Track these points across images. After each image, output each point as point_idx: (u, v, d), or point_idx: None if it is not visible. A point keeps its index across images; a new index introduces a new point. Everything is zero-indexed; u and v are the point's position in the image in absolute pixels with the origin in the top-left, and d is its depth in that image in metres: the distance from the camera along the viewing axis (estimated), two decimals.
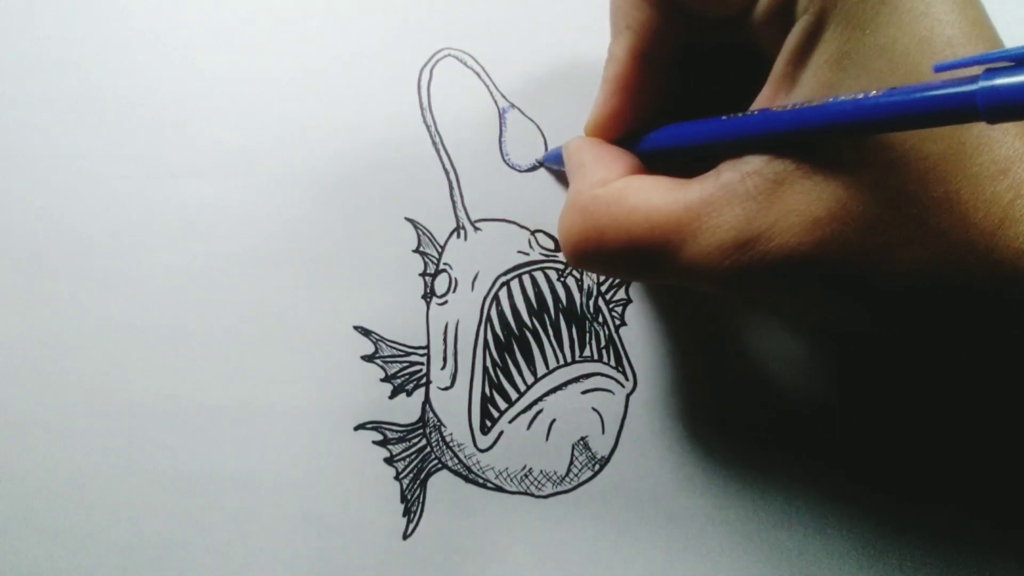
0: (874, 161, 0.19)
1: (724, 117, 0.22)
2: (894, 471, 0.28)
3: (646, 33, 0.23)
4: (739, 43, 0.23)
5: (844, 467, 0.28)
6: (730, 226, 0.20)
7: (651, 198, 0.22)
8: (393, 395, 0.28)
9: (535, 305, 0.29)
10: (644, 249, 0.22)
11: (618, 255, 0.23)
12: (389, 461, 0.28)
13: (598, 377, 0.29)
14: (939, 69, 0.17)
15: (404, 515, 0.28)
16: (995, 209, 0.19)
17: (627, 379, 0.29)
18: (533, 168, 0.29)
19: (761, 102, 0.22)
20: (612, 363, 0.29)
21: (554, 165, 0.28)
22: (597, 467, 0.28)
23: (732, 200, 0.20)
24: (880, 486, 0.28)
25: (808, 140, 0.20)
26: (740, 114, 0.21)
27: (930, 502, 0.28)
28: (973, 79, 0.16)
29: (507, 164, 0.29)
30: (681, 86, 0.25)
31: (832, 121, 0.18)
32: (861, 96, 0.18)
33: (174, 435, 0.28)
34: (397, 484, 0.28)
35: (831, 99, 0.19)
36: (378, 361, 0.28)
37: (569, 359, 0.29)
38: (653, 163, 0.25)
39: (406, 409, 0.28)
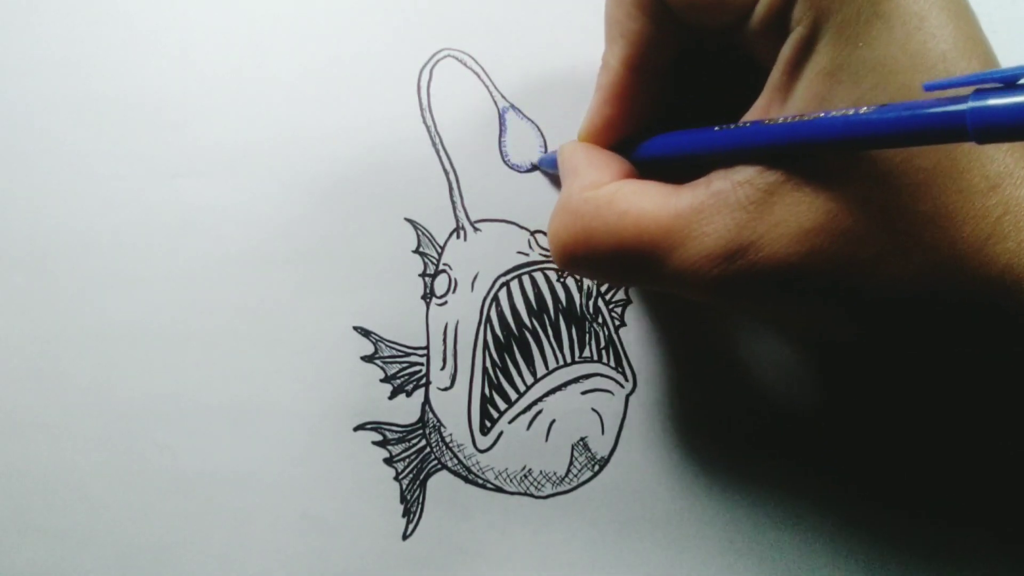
0: (864, 174, 0.19)
1: (717, 128, 0.22)
2: (894, 472, 0.28)
3: (640, 43, 0.23)
4: (735, 52, 0.23)
5: (843, 468, 0.28)
6: (719, 235, 0.20)
7: (641, 203, 0.22)
8: (393, 395, 0.28)
9: (535, 306, 0.29)
10: (632, 254, 0.22)
11: (606, 259, 0.23)
12: (389, 461, 0.28)
13: (598, 378, 0.29)
14: (929, 88, 0.17)
15: (404, 515, 0.28)
16: (984, 224, 0.19)
17: (627, 380, 0.29)
18: (533, 169, 0.29)
19: (755, 112, 0.22)
20: (612, 364, 0.29)
21: (549, 169, 0.28)
22: (597, 467, 0.28)
23: (722, 209, 0.20)
24: (880, 487, 0.28)
25: (799, 154, 0.20)
26: (733, 125, 0.21)
27: (928, 505, 0.28)
28: (963, 99, 0.16)
29: (507, 165, 0.29)
30: (677, 92, 0.25)
31: (822, 137, 0.19)
32: (852, 112, 0.18)
33: (174, 435, 0.28)
34: (397, 484, 0.28)
35: (822, 114, 0.19)
36: (378, 361, 0.28)
37: (569, 360, 0.29)
38: (646, 169, 0.25)
39: (406, 409, 0.28)
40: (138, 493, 0.28)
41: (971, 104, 0.16)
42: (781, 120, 0.20)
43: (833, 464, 0.28)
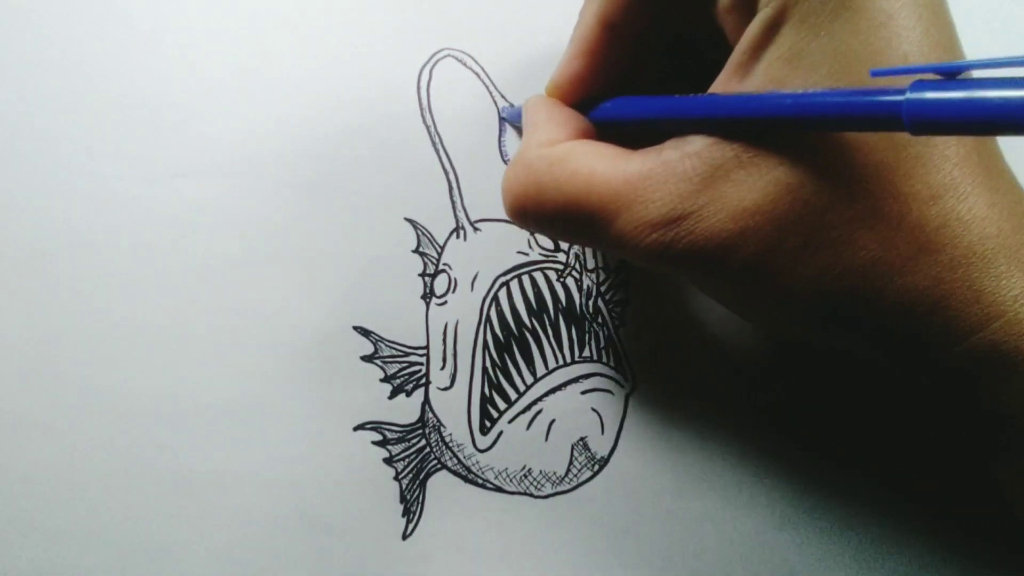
0: (810, 164, 0.19)
1: (675, 96, 0.22)
2: (895, 473, 0.28)
3: (615, 1, 0.23)
4: (710, 28, 0.23)
5: (844, 467, 0.28)
6: (662, 203, 0.21)
7: (593, 164, 0.22)
8: (392, 395, 0.28)
9: (534, 305, 0.29)
10: (579, 214, 0.22)
11: (554, 215, 0.23)
12: (388, 461, 0.28)
13: (597, 378, 0.29)
14: (875, 74, 0.17)
15: (403, 515, 0.28)
16: (918, 234, 0.19)
17: (626, 379, 0.29)
18: None
19: (714, 88, 0.22)
20: (611, 363, 0.29)
21: (515, 123, 0.29)
22: (596, 467, 0.28)
23: (669, 178, 0.21)
24: (881, 487, 0.28)
25: (744, 129, 0.20)
26: (689, 95, 0.21)
27: (928, 506, 0.28)
28: (902, 89, 0.16)
29: (507, 164, 0.29)
30: (655, 65, 0.25)
31: (768, 112, 0.19)
32: (799, 92, 0.18)
33: (174, 435, 0.28)
34: (396, 484, 0.28)
35: (772, 91, 0.19)
36: (377, 361, 0.28)
37: (568, 359, 0.29)
38: (607, 132, 0.25)
39: (405, 409, 0.28)
40: (138, 493, 0.28)
41: (908, 95, 0.16)
42: (732, 94, 0.20)
43: (834, 464, 0.28)
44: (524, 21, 0.29)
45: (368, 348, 0.28)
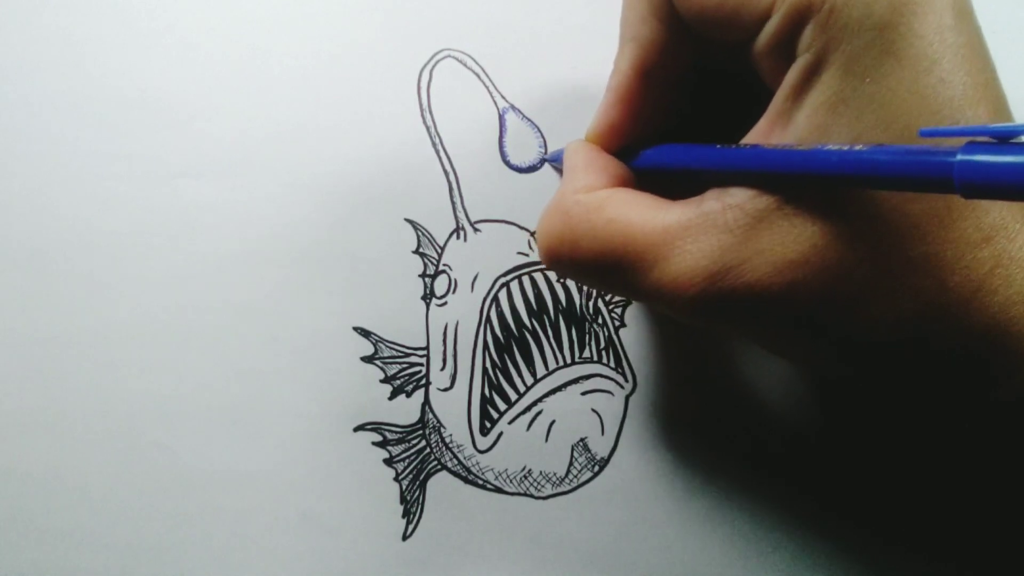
0: (857, 212, 0.19)
1: (718, 146, 0.21)
2: (894, 475, 0.28)
3: (651, 48, 0.23)
4: (749, 71, 0.22)
5: (843, 469, 0.28)
6: (703, 255, 0.20)
7: (629, 213, 0.22)
8: (393, 396, 0.28)
9: (535, 306, 0.29)
10: (615, 263, 0.22)
11: (588, 263, 0.23)
12: (388, 462, 0.28)
13: (597, 378, 0.29)
14: (924, 134, 0.17)
15: (404, 516, 0.28)
16: (973, 275, 0.19)
17: (627, 380, 0.29)
18: (533, 169, 0.29)
19: (755, 135, 0.21)
20: (612, 364, 0.29)
21: (558, 164, 0.28)
22: (597, 468, 0.28)
23: (710, 229, 0.20)
24: (880, 489, 0.28)
25: (789, 183, 0.20)
26: (733, 145, 0.21)
27: (925, 509, 0.28)
28: (954, 151, 0.15)
29: (507, 165, 0.29)
30: (690, 106, 0.25)
31: (813, 169, 0.18)
32: (846, 148, 0.18)
33: (174, 435, 0.28)
34: (396, 485, 0.28)
35: (818, 146, 0.19)
36: (378, 362, 0.28)
37: (568, 360, 0.29)
38: (645, 178, 0.25)
39: (406, 410, 0.28)
40: (138, 493, 0.28)
41: (960, 157, 0.15)
42: (776, 147, 0.20)
43: (832, 465, 0.28)
44: (524, 21, 0.29)
45: (368, 349, 0.28)
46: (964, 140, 0.16)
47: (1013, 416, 0.21)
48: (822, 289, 0.20)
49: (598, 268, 0.22)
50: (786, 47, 0.20)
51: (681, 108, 0.25)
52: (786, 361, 0.29)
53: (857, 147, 0.18)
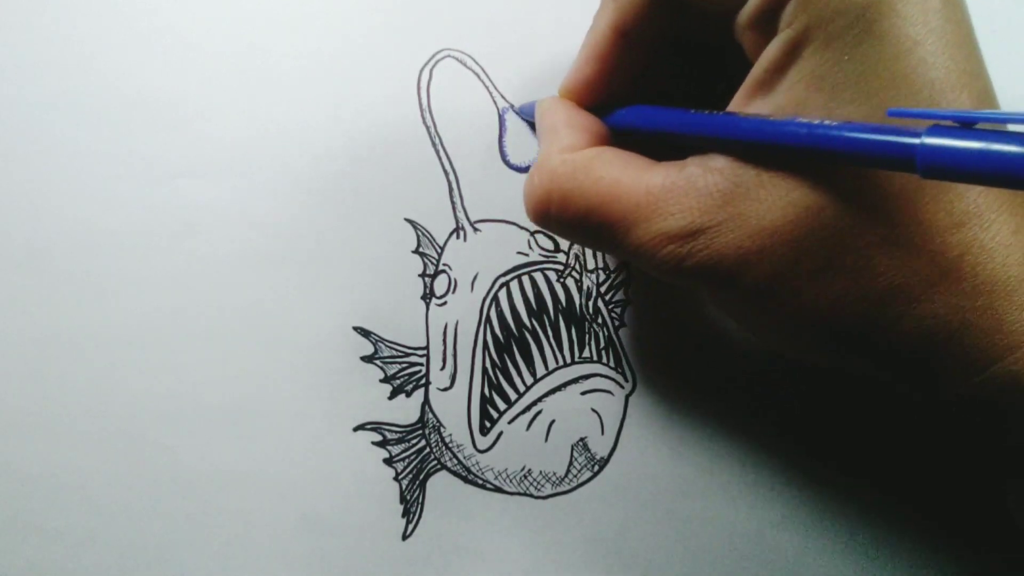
0: (832, 187, 0.19)
1: (693, 111, 0.22)
2: (896, 474, 0.28)
3: (631, 9, 0.23)
4: (729, 44, 0.23)
5: (845, 468, 0.28)
6: (681, 216, 0.21)
7: (617, 173, 0.22)
8: (392, 396, 0.28)
9: (534, 306, 0.29)
10: (601, 221, 0.22)
11: (576, 221, 0.23)
12: (388, 462, 0.28)
13: (597, 378, 0.29)
14: (891, 114, 0.17)
15: (403, 516, 0.28)
16: (940, 261, 0.19)
17: (626, 380, 0.29)
18: (530, 166, 0.29)
19: (734, 105, 0.22)
20: (611, 364, 0.29)
21: (527, 118, 0.29)
22: (596, 468, 0.28)
23: (690, 192, 0.21)
24: (880, 487, 0.28)
25: (761, 153, 0.20)
26: (708, 111, 0.21)
27: (929, 507, 0.28)
28: (918, 132, 0.16)
29: (507, 165, 0.29)
30: (668, 70, 0.25)
31: (782, 139, 0.19)
32: (816, 122, 0.18)
33: (174, 435, 0.28)
34: (396, 485, 0.28)
35: (789, 119, 0.19)
36: (377, 362, 0.28)
37: (568, 360, 0.29)
38: (622, 138, 0.25)
39: (405, 410, 0.28)
40: (138, 493, 0.28)
41: (923, 140, 0.16)
42: (748, 115, 0.20)
43: (834, 465, 0.28)
44: (524, 21, 0.29)
45: (368, 348, 0.28)
46: (930, 123, 0.16)
47: (973, 415, 0.21)
48: (788, 258, 0.20)
49: (584, 226, 0.23)
50: (769, 21, 0.20)
51: (657, 77, 0.25)
52: (786, 361, 0.29)
53: (827, 122, 0.18)
